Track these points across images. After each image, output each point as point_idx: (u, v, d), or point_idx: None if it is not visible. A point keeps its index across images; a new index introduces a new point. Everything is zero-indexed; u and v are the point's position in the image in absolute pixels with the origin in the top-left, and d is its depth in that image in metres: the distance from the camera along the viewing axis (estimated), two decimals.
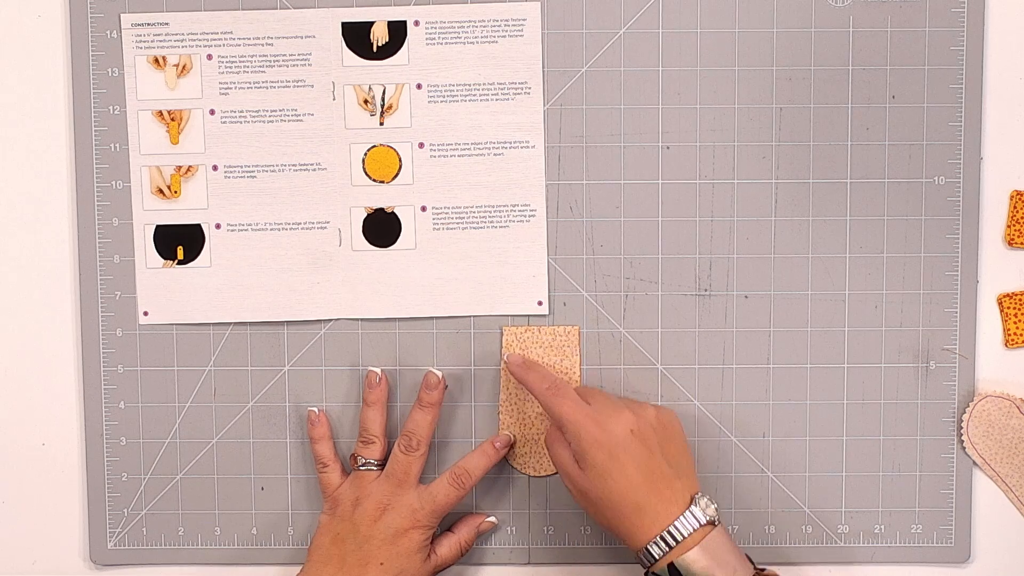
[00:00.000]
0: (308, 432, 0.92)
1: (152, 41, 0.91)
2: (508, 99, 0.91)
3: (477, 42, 0.91)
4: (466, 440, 0.93)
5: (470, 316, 0.93)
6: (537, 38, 0.91)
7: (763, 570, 0.83)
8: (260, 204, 0.92)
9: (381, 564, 0.86)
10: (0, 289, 0.94)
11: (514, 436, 0.92)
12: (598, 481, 0.82)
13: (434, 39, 0.91)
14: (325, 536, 0.88)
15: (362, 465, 0.90)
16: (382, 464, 0.90)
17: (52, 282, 0.94)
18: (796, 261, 0.92)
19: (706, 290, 0.92)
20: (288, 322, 0.93)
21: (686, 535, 0.80)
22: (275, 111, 0.92)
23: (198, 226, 0.93)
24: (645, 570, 0.82)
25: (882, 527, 0.94)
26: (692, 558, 0.80)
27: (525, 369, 0.89)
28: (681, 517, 0.81)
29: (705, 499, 0.82)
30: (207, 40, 0.91)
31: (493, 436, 0.92)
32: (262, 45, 0.91)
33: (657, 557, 0.80)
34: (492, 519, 0.93)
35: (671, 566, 0.80)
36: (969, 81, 0.91)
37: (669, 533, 0.80)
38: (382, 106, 0.92)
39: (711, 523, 0.81)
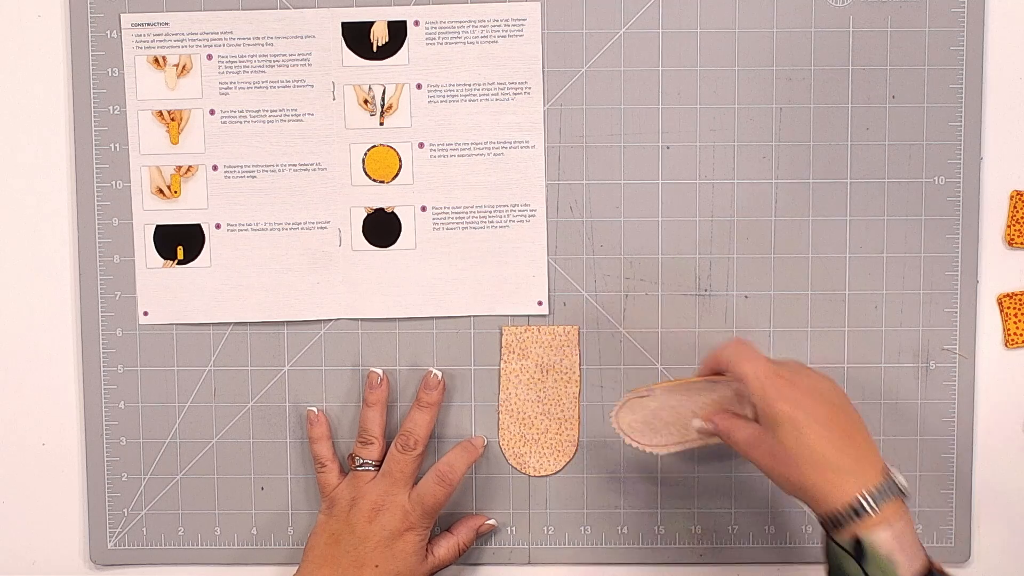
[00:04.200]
0: (307, 432, 0.92)
1: (152, 41, 0.91)
2: (508, 99, 0.91)
3: (477, 42, 0.91)
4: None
5: (470, 316, 0.93)
6: (537, 38, 0.91)
7: (941, 569, 0.78)
8: (260, 204, 0.92)
9: (376, 567, 0.86)
10: (0, 289, 0.94)
11: (487, 438, 0.93)
12: (789, 435, 0.77)
13: (434, 39, 0.91)
14: (321, 536, 0.88)
15: (359, 465, 0.90)
16: (380, 465, 0.90)
17: (52, 282, 0.94)
18: (796, 261, 0.92)
19: (706, 290, 0.92)
20: (288, 322, 0.93)
21: (883, 503, 0.75)
22: (275, 111, 0.92)
23: (198, 226, 0.93)
24: (827, 538, 0.78)
25: None
26: (883, 537, 0.75)
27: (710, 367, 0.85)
28: (880, 484, 0.76)
29: (895, 469, 0.78)
30: (207, 40, 0.91)
31: (469, 438, 0.93)
32: (262, 45, 0.91)
33: (843, 523, 0.76)
34: (492, 521, 0.93)
35: (857, 541, 0.75)
36: (969, 81, 0.91)
37: (866, 499, 0.75)
38: (382, 106, 0.92)
39: (903, 495, 0.77)
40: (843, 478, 0.76)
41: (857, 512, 0.76)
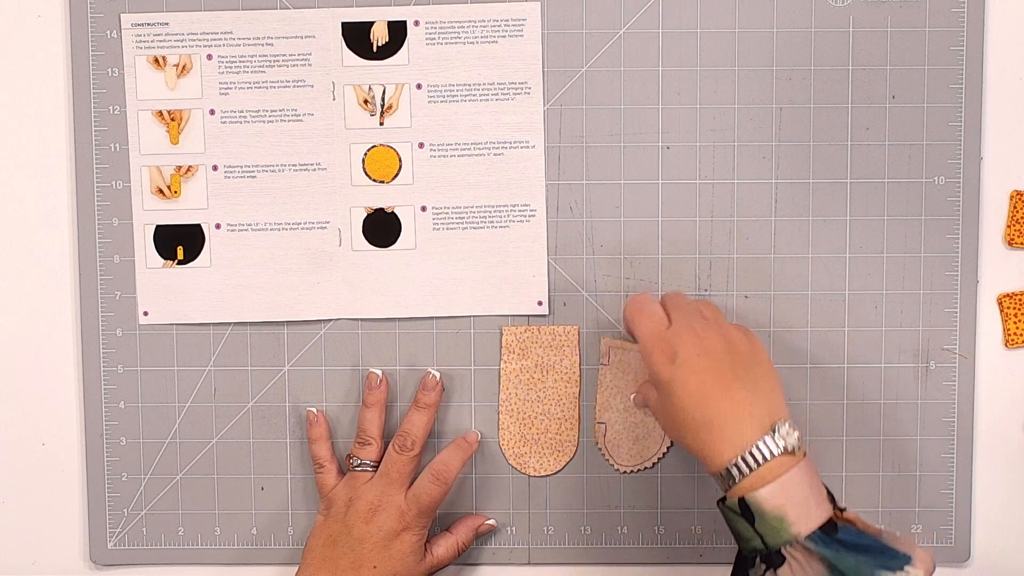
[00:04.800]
0: (307, 432, 0.92)
1: (152, 41, 0.91)
2: (508, 99, 0.91)
3: (477, 42, 0.91)
4: None
5: (470, 316, 0.93)
6: (537, 38, 0.91)
7: (843, 510, 0.77)
8: (260, 204, 0.92)
9: (374, 567, 0.86)
10: (0, 289, 0.94)
11: (482, 433, 0.93)
12: (668, 400, 0.78)
13: (434, 39, 0.91)
14: (319, 538, 0.88)
15: (357, 466, 0.90)
16: (377, 465, 0.90)
17: (52, 282, 0.94)
18: (796, 261, 0.92)
19: (706, 290, 0.92)
20: (288, 322, 0.93)
21: (760, 463, 0.75)
22: (275, 111, 0.92)
23: (198, 226, 0.93)
24: (719, 499, 0.77)
25: (882, 527, 0.93)
26: (764, 495, 0.74)
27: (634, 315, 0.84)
28: (757, 443, 0.75)
29: (786, 426, 0.76)
30: (207, 40, 0.91)
31: (463, 433, 0.93)
32: (262, 45, 0.91)
33: (727, 484, 0.75)
34: (491, 521, 0.93)
35: (742, 501, 0.75)
36: (969, 81, 0.91)
37: (743, 460, 0.75)
38: (382, 106, 0.92)
39: (790, 452, 0.75)
40: (719, 438, 0.76)
41: (732, 474, 0.75)
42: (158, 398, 0.94)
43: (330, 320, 0.93)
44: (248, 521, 0.95)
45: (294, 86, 0.91)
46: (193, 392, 0.94)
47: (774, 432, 0.76)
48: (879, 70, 0.91)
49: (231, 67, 0.91)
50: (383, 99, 0.92)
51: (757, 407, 0.77)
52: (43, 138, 0.93)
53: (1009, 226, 0.92)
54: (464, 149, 0.92)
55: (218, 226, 0.93)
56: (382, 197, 0.92)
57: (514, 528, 0.94)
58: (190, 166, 0.92)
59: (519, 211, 0.92)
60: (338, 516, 0.88)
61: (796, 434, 0.76)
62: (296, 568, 0.89)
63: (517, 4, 0.91)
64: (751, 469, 0.75)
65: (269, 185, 0.92)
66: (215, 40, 0.91)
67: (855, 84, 0.91)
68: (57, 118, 0.93)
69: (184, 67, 0.91)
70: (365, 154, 0.92)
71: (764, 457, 0.75)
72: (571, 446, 0.94)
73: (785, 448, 0.75)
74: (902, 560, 0.75)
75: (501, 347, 0.93)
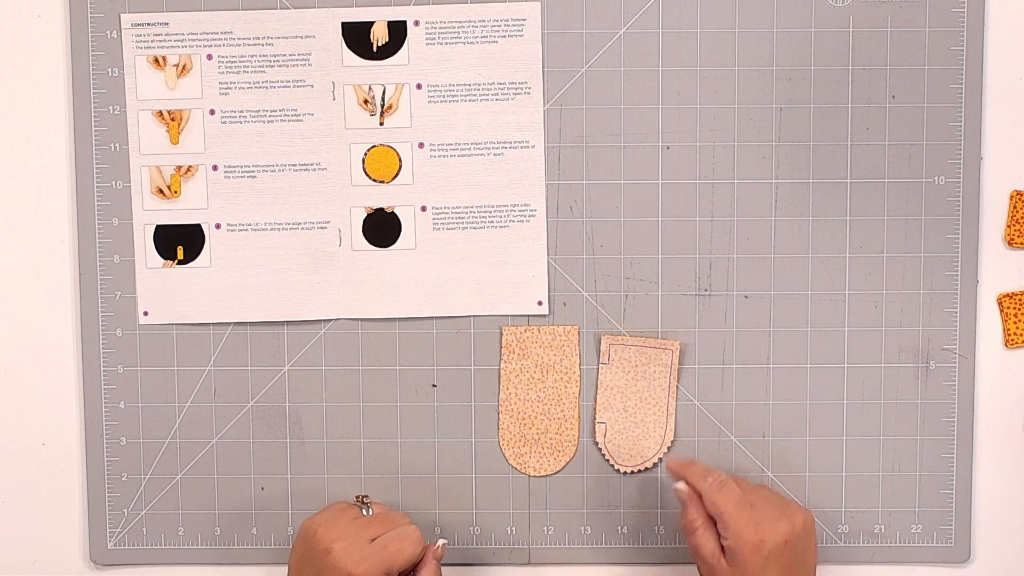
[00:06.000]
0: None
1: (152, 41, 0.91)
2: (508, 99, 0.91)
3: (477, 42, 0.91)
4: (466, 440, 0.93)
5: (470, 316, 0.93)
6: (537, 38, 0.91)
7: None
8: (260, 204, 0.92)
9: None
10: (0, 289, 0.94)
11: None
12: (732, 571, 0.83)
13: (434, 39, 0.91)
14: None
15: (363, 503, 0.88)
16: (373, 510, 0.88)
17: (52, 282, 0.94)
18: (796, 261, 0.92)
19: (706, 290, 0.92)
20: (288, 322, 0.93)
21: None
22: (275, 111, 0.92)
23: (198, 226, 0.93)
24: None
25: (882, 527, 0.94)
26: None
27: (686, 467, 0.88)
28: None
29: None
30: (207, 40, 0.91)
31: (432, 546, 0.87)
32: (262, 45, 0.91)
33: None
34: (442, 541, 0.87)
35: None
36: (969, 81, 0.91)
37: None
38: (382, 106, 0.92)
39: None
40: None
41: None
42: (158, 398, 0.94)
43: (330, 320, 0.93)
44: (248, 521, 0.95)
45: (294, 86, 0.91)
46: (193, 392, 0.94)
47: None
48: (879, 70, 0.91)
49: (231, 67, 0.91)
50: (383, 99, 0.92)
51: None
52: (43, 138, 0.93)
53: (1009, 226, 0.92)
54: (464, 149, 0.92)
55: (218, 226, 0.93)
56: (382, 197, 0.92)
57: (514, 528, 0.94)
58: (190, 166, 0.92)
59: (519, 211, 0.92)
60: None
61: None
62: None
63: (517, 4, 0.91)
64: None
65: (269, 185, 0.92)
66: (215, 40, 0.91)
67: (855, 84, 0.91)
68: (57, 118, 0.93)
69: (184, 67, 0.91)
70: (365, 154, 0.92)
71: None
72: (571, 446, 0.94)
73: None
74: None
75: (501, 347, 0.93)
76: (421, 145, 0.92)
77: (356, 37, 0.91)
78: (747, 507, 0.84)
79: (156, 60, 0.92)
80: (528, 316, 0.93)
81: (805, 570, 0.85)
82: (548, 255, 0.92)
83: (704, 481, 0.86)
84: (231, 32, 0.91)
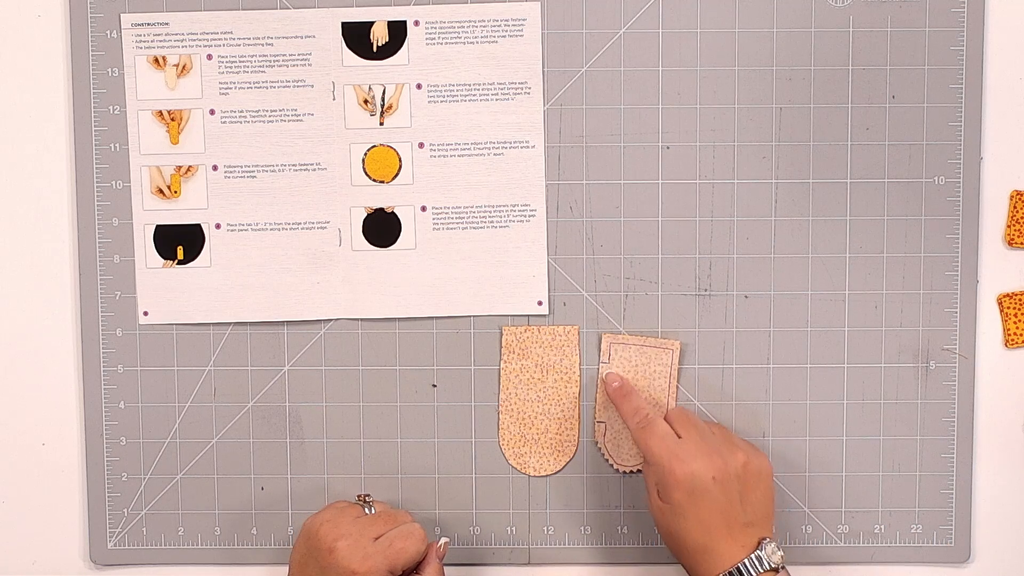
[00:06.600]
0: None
1: (152, 41, 0.91)
2: (508, 99, 0.91)
3: (477, 42, 0.91)
4: (466, 440, 0.93)
5: (470, 316, 0.93)
6: (537, 38, 0.91)
7: None
8: (260, 204, 0.92)
9: None
10: (0, 289, 0.94)
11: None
12: (673, 518, 0.84)
13: (434, 39, 0.91)
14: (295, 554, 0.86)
15: (365, 501, 0.88)
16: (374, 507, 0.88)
17: (52, 282, 0.94)
18: (796, 261, 0.92)
19: (706, 290, 0.92)
20: (288, 322, 0.93)
21: None
22: (275, 111, 0.92)
23: (198, 226, 0.93)
24: None
25: (882, 527, 0.94)
26: None
27: (621, 396, 0.89)
28: (744, 561, 0.82)
29: (772, 545, 0.82)
30: (207, 40, 0.91)
31: (435, 545, 0.87)
32: (262, 45, 0.91)
33: None
34: (444, 539, 0.88)
35: None
36: (969, 81, 0.91)
37: (729, 575, 0.82)
38: (382, 106, 0.92)
39: (774, 570, 0.82)
40: (711, 560, 0.82)
41: None
42: (158, 398, 0.94)
43: (330, 320, 0.93)
44: (248, 521, 0.95)
45: (294, 86, 0.91)
46: (193, 392, 0.94)
47: (760, 550, 0.82)
48: (879, 70, 0.91)
49: (231, 67, 0.91)
50: (383, 99, 0.92)
51: (751, 535, 0.83)
52: (43, 138, 0.93)
53: (1009, 226, 0.92)
54: (464, 149, 0.92)
55: (218, 226, 0.93)
56: (382, 197, 0.92)
57: (514, 528, 0.94)
58: (190, 166, 0.92)
59: (519, 211, 0.92)
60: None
61: (780, 553, 0.82)
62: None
63: (517, 4, 0.91)
64: None
65: (269, 185, 0.92)
66: (215, 40, 0.91)
67: (855, 84, 0.91)
68: (57, 118, 0.93)
69: (184, 67, 0.91)
70: (365, 154, 0.92)
71: (751, 574, 0.82)
72: (571, 446, 0.94)
73: (771, 567, 0.82)
74: None
75: (501, 347, 0.93)
76: (421, 145, 0.92)
77: (356, 37, 0.91)
78: (669, 444, 0.84)
79: (156, 60, 0.92)
80: (528, 316, 0.93)
81: (747, 509, 0.84)
82: (548, 255, 0.92)
83: (632, 419, 0.88)
84: (231, 32, 0.91)
